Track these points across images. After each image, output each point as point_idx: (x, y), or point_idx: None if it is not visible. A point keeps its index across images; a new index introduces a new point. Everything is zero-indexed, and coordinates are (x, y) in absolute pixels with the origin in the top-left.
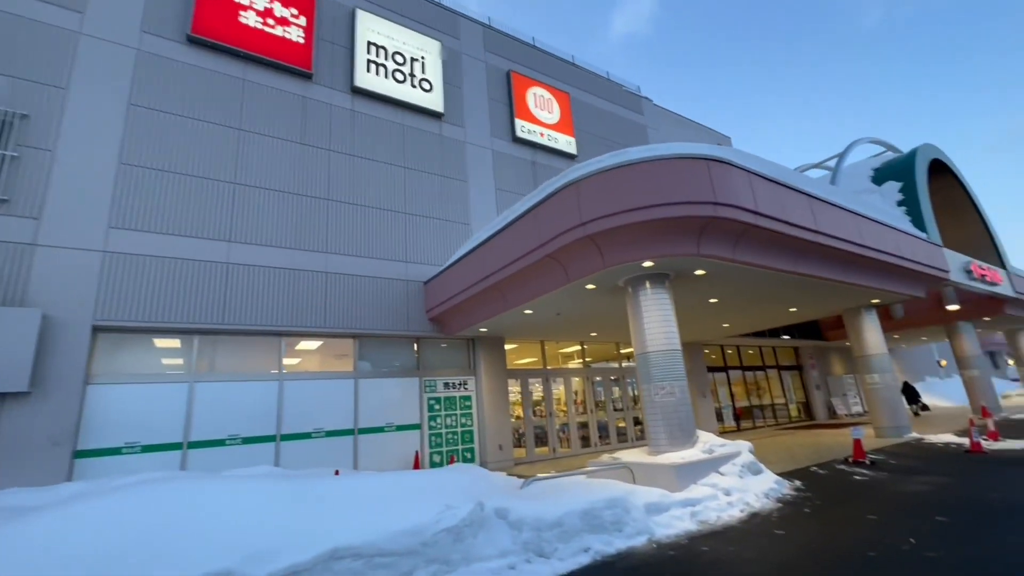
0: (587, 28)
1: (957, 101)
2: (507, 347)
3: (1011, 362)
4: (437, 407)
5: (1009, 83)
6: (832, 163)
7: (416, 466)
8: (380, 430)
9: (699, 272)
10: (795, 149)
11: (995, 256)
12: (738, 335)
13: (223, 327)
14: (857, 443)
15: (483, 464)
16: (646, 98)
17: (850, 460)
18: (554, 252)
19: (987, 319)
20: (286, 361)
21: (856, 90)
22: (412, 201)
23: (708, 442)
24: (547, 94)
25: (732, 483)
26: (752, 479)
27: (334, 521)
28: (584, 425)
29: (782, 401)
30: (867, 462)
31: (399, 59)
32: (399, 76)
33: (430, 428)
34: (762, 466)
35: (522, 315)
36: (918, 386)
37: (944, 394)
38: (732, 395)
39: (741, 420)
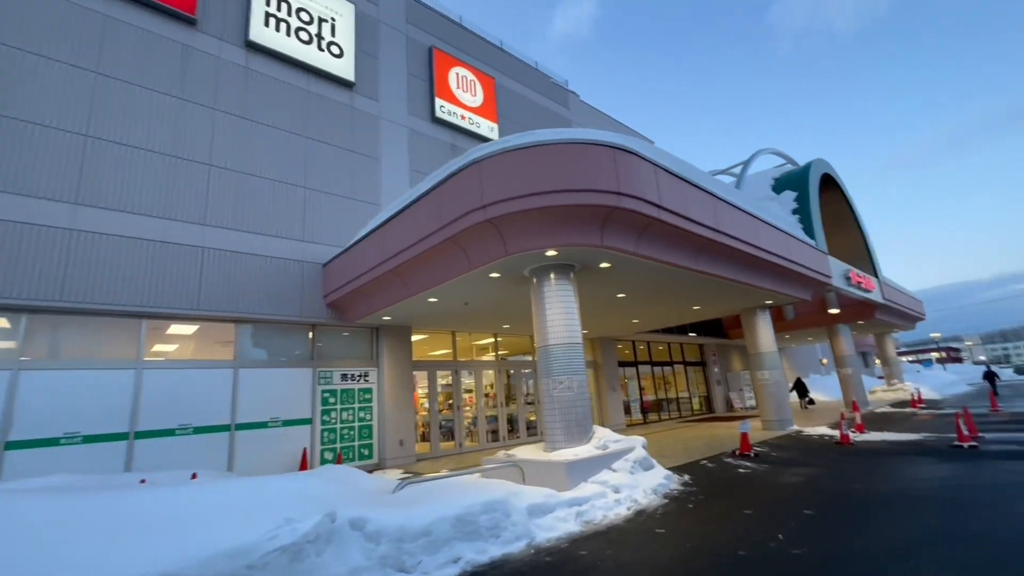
0: (527, 25)
1: (855, 120)
2: (416, 337)
3: (878, 362)
4: (332, 400)
5: (897, 110)
6: (738, 170)
7: (304, 465)
8: (263, 426)
9: (604, 265)
10: (715, 158)
11: (870, 266)
12: (648, 331)
13: (61, 305)
14: (744, 437)
15: (381, 461)
16: (573, 92)
17: (737, 453)
18: (455, 236)
19: (861, 323)
20: (156, 347)
21: (770, 107)
22: (314, 175)
23: (603, 438)
24: (471, 76)
25: (623, 480)
26: (643, 475)
27: (135, 546)
28: (494, 419)
29: (686, 395)
30: (752, 455)
31: (305, 17)
32: (304, 36)
33: (323, 423)
34: (654, 461)
35: (427, 303)
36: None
37: (825, 389)
38: (641, 389)
39: (648, 413)
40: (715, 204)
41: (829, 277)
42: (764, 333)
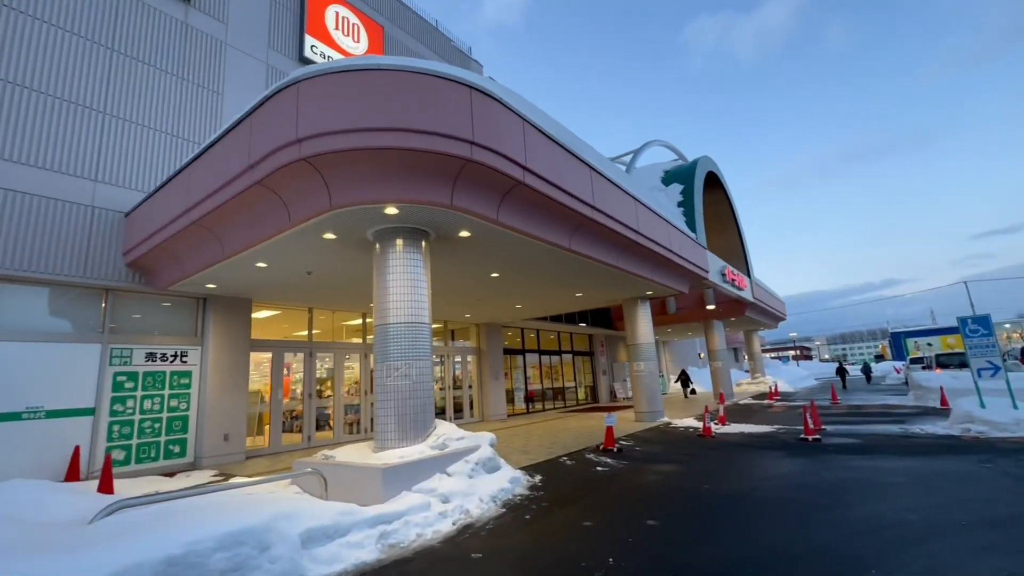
0: (457, 5)
1: (747, 139)
2: (265, 314)
3: (747, 357)
4: (130, 385)
5: (780, 135)
6: (629, 159)
7: (73, 469)
8: (14, 417)
9: (464, 234)
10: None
11: (744, 266)
12: (536, 319)
13: None
14: (608, 431)
15: (196, 460)
16: (476, 62)
17: (601, 448)
18: (266, 179)
19: (733, 319)
20: None
21: (677, 119)
22: (121, 100)
23: (444, 436)
24: (355, 19)
25: (457, 486)
26: (484, 479)
27: None
28: (356, 409)
29: (573, 385)
30: (615, 450)
31: None
32: None
33: (113, 414)
34: (501, 462)
35: (256, 270)
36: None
37: (700, 381)
38: (527, 378)
39: (533, 402)
40: (593, 178)
41: (707, 272)
42: (643, 324)
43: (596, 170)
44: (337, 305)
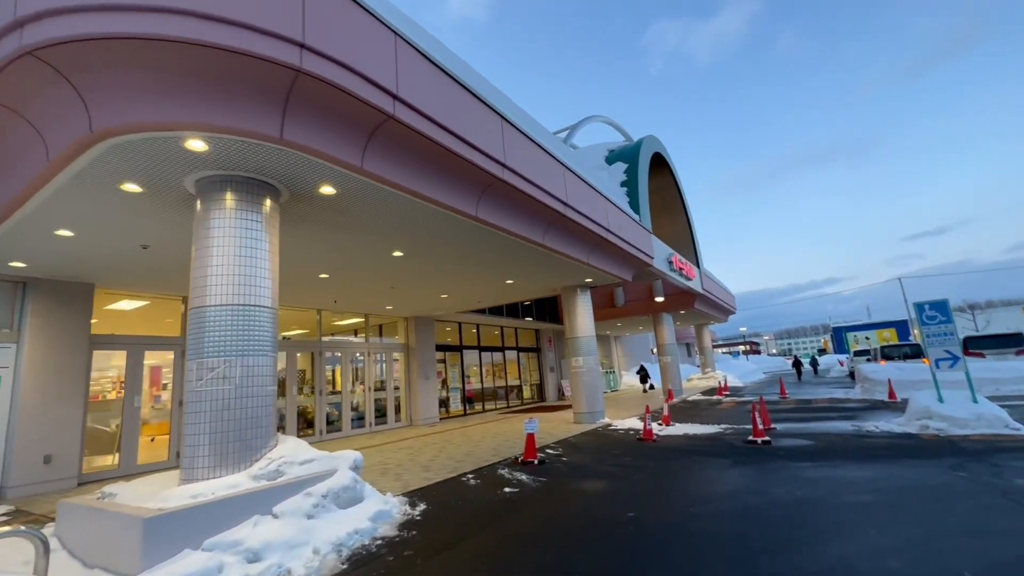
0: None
1: (711, 137)
2: (125, 305)
3: (698, 351)
4: None
5: (731, 138)
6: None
7: None
8: None
9: (327, 190)
10: None
11: (693, 255)
12: (475, 311)
13: None
14: (529, 441)
15: (2, 491)
16: None
17: (519, 460)
18: None
19: (683, 312)
20: None
21: (638, 119)
22: None
23: (282, 458)
24: None
25: (281, 533)
26: (333, 517)
27: None
28: None
29: (518, 383)
30: (536, 462)
31: None
32: None
33: None
34: (366, 490)
35: (60, 240)
36: (635, 370)
37: (654, 376)
38: (465, 376)
39: (472, 403)
40: (504, 129)
41: (651, 258)
42: (582, 316)
43: (509, 121)
44: None
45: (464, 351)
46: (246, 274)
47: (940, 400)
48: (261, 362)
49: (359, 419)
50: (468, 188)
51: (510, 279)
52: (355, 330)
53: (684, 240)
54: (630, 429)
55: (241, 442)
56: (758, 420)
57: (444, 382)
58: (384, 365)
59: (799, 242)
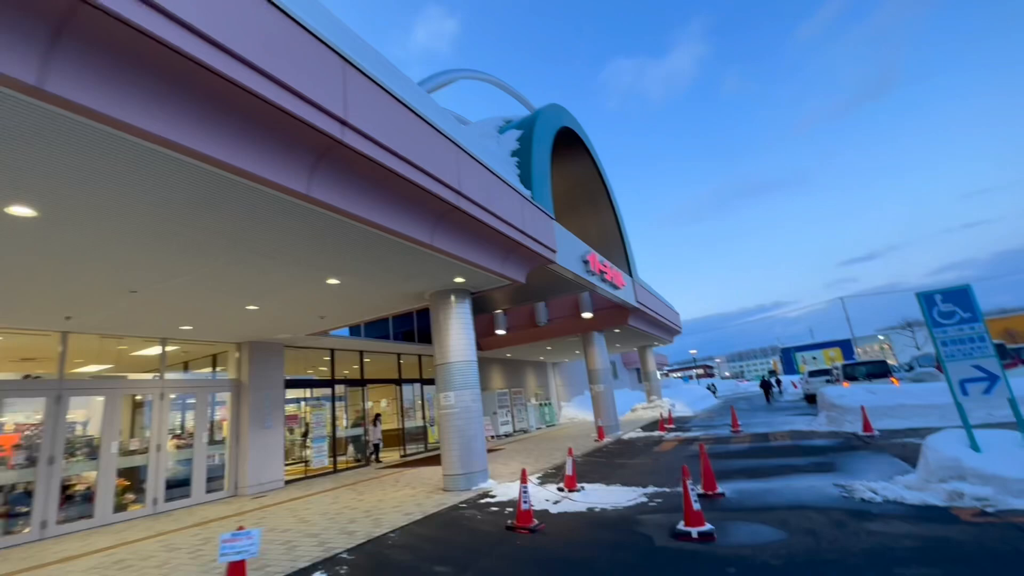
0: (387, 30)
1: (663, 169)
2: None
3: (641, 377)
4: None
5: (681, 170)
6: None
7: None
8: None
9: None
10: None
11: (625, 263)
12: (351, 332)
13: None
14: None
15: None
16: None
17: None
18: None
19: (617, 330)
20: None
21: (601, 152)
22: None
23: None
24: None
25: None
26: None
27: None
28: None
29: (417, 424)
30: None
31: None
32: None
33: None
34: None
35: None
36: (576, 401)
37: (582, 407)
38: (335, 420)
39: (339, 456)
40: (347, 73)
41: (553, 250)
42: (456, 333)
43: (350, 61)
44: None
45: (339, 386)
46: None
47: (975, 448)
48: None
49: (139, 490)
50: (301, 154)
51: (334, 279)
52: (185, 363)
53: (613, 243)
54: (512, 501)
55: None
56: (692, 496)
57: (306, 429)
58: (198, 409)
59: (748, 268)
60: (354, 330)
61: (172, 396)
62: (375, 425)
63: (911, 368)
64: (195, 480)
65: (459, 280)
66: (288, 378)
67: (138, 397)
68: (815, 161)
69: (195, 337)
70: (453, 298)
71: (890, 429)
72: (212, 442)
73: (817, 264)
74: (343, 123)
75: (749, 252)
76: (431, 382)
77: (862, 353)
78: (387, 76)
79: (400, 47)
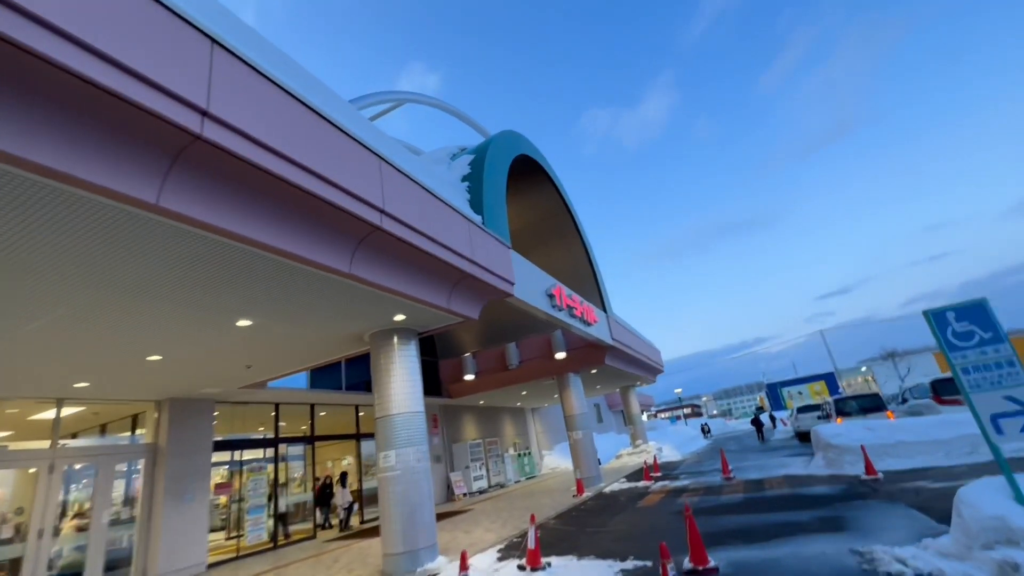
0: (375, 84)
1: (641, 211)
2: None
3: (625, 420)
4: None
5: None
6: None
7: None
8: None
9: None
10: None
11: (598, 299)
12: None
13: None
14: None
15: None
16: None
17: None
18: None
19: (594, 371)
20: None
21: (580, 199)
22: None
23: None
24: None
25: None
26: None
27: None
28: None
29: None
30: None
31: None
32: None
33: None
34: None
35: None
36: (559, 448)
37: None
38: (278, 485)
39: (289, 524)
40: (216, 54)
41: (510, 281)
42: (401, 380)
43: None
44: None
45: (283, 444)
46: None
47: (1021, 501)
48: None
49: None
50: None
51: (246, 320)
52: (103, 426)
53: (584, 278)
54: None
55: None
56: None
57: (240, 498)
58: (96, 484)
59: (729, 306)
60: (315, 379)
61: (77, 466)
62: (343, 486)
63: (904, 400)
64: (89, 570)
65: (399, 318)
66: (219, 439)
67: (32, 470)
68: (784, 201)
69: (97, 396)
70: (396, 339)
71: (895, 471)
72: (119, 521)
73: (795, 299)
74: (204, 114)
75: (728, 290)
76: None
77: (847, 386)
78: (274, 65)
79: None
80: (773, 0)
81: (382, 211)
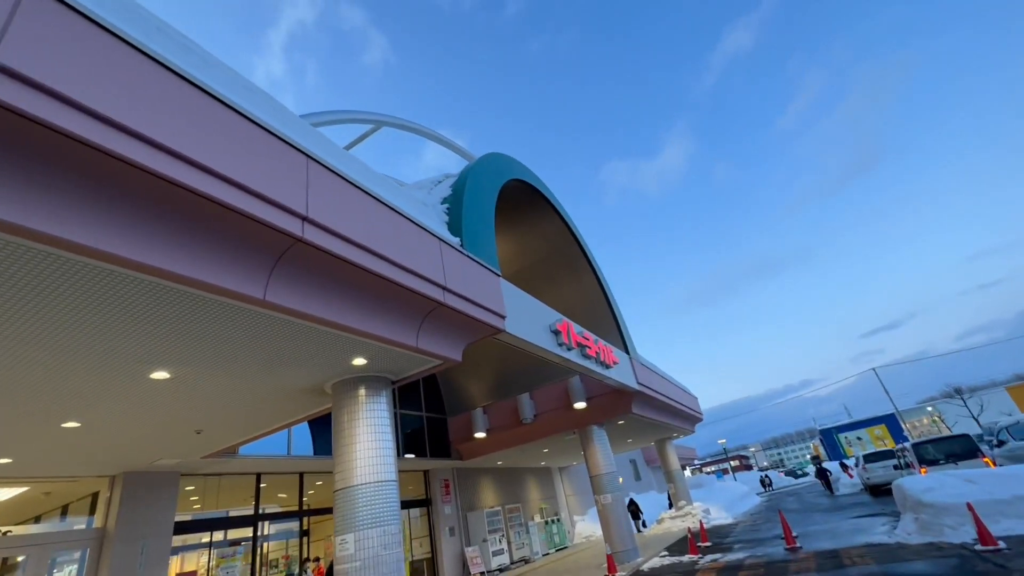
0: (402, 156)
1: (666, 259)
2: None
3: (665, 478)
4: None
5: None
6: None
7: None
8: None
9: None
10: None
11: (619, 340)
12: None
13: None
14: None
15: None
16: None
17: None
18: None
19: (620, 421)
20: None
21: (596, 249)
22: None
23: None
24: None
25: None
26: None
27: None
28: None
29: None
30: None
31: None
32: None
33: None
34: None
35: None
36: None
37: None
38: (257, 566)
39: None
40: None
41: (501, 316)
42: (366, 441)
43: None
44: None
45: (259, 523)
46: None
47: None
48: None
49: None
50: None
51: (161, 370)
52: (65, 507)
53: (601, 316)
54: None
55: None
56: None
57: None
58: None
59: (768, 349)
60: (298, 443)
61: (20, 558)
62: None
63: (1000, 443)
64: None
65: (360, 362)
66: (181, 519)
67: None
68: (815, 238)
69: (24, 474)
70: (363, 390)
71: (1018, 535)
72: None
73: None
74: (133, 132)
75: (766, 333)
76: (413, 504)
77: (911, 428)
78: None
79: (413, 169)
80: (780, 48)
81: (304, 218)
